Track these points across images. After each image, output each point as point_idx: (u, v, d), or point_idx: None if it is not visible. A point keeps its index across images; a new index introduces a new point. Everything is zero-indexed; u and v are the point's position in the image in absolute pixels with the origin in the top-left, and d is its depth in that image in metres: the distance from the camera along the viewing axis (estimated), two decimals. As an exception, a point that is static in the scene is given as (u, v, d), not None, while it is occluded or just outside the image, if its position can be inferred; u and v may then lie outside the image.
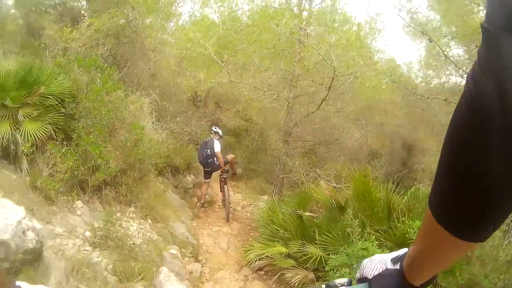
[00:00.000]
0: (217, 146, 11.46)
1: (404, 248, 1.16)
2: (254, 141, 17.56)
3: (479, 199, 0.73)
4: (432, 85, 17.57)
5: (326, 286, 1.28)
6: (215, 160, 11.51)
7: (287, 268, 8.23)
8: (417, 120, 18.74)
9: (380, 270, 1.16)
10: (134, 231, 8.44)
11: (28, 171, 7.73)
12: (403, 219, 7.31)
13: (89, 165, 8.13)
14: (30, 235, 5.05)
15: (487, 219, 0.77)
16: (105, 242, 7.12)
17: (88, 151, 8.11)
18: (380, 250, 6.73)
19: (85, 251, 6.92)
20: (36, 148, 7.99)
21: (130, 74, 13.18)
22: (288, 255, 8.51)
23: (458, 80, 16.13)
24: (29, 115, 7.99)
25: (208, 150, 11.43)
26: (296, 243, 8.51)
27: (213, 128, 12.03)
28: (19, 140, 7.68)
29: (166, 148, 11.91)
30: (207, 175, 11.91)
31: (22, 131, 7.76)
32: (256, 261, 8.89)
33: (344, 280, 1.28)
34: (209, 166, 11.57)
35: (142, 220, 9.00)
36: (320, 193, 9.10)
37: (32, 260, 5.06)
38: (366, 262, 1.23)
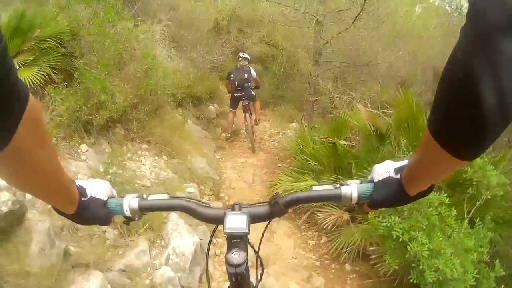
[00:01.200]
0: (254, 72, 10.78)
1: (406, 160, 1.24)
2: (282, 66, 16.29)
3: (470, 121, 0.80)
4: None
5: (339, 183, 1.34)
6: (250, 85, 10.71)
7: (318, 207, 7.24)
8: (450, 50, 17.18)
9: (384, 177, 1.26)
10: (146, 170, 7.62)
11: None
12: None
13: (92, 103, 7.24)
14: (4, 195, 4.14)
15: (477, 140, 0.84)
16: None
17: (90, 88, 7.19)
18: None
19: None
20: (36, 94, 7.14)
21: (145, 8, 11.99)
22: None
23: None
24: (25, 62, 7.15)
25: (246, 74, 10.55)
26: (329, 177, 7.46)
27: (241, 54, 11.03)
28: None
29: (185, 78, 11.06)
30: (235, 103, 10.96)
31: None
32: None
33: (357, 180, 1.34)
34: (244, 90, 10.64)
35: (156, 157, 8.20)
36: (357, 119, 7.91)
37: (8, 226, 4.19)
38: (377, 166, 1.32)
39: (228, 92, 11.25)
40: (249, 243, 1.39)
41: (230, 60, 15.41)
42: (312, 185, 1.37)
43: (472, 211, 5.26)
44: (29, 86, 6.68)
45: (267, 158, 10.83)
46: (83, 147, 7.12)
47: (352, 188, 1.30)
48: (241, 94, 10.66)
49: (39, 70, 7.09)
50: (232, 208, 1.35)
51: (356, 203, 1.32)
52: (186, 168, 8.27)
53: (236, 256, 1.21)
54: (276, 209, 1.33)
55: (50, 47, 7.37)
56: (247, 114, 10.83)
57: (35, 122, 0.84)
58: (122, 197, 1.39)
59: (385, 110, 8.66)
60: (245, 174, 9.68)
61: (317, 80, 11.12)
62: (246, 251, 1.25)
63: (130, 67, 8.66)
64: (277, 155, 11.04)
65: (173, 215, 6.16)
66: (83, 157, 6.97)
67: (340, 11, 10.91)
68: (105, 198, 1.33)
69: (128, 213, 1.35)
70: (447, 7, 17.13)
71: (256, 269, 1.61)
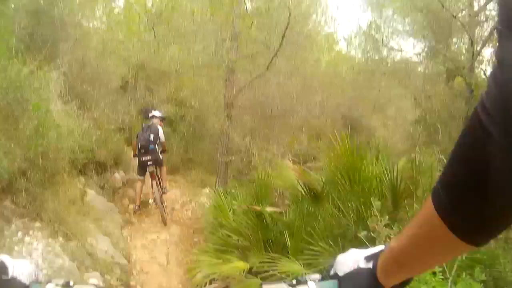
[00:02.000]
0: (162, 134, 9.68)
1: (380, 246, 1.06)
2: (190, 126, 14.73)
3: (490, 205, 0.68)
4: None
5: (296, 280, 1.14)
6: (157, 148, 9.45)
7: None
8: (358, 97, 17.06)
9: (352, 269, 1.06)
10: (38, 256, 5.89)
11: None
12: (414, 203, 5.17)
13: None
14: None
15: (493, 224, 0.73)
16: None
17: None
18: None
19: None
20: None
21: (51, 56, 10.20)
22: (251, 271, 5.94)
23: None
24: None
25: (152, 136, 9.27)
26: (259, 254, 5.95)
27: (154, 112, 10.00)
28: None
29: (88, 140, 9.34)
30: (142, 169, 9.50)
31: None
32: (206, 284, 6.33)
33: (316, 276, 1.14)
34: (149, 154, 9.24)
35: (50, 239, 6.46)
36: (283, 178, 6.62)
37: None
38: (340, 257, 1.14)
39: (134, 156, 9.85)
40: None
41: (137, 120, 13.75)
42: (262, 283, 1.14)
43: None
44: None
45: (181, 232, 9.31)
46: None
47: (310, 286, 1.11)
48: (147, 157, 9.27)
49: None
50: None
51: None
52: (86, 253, 6.57)
53: None
54: None
55: None
56: (154, 182, 9.42)
57: None
58: (48, 281, 1.17)
59: (309, 164, 7.41)
60: (158, 254, 8.04)
61: (230, 137, 9.74)
62: None
63: (21, 123, 6.91)
64: (192, 227, 9.63)
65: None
66: None
67: (253, 55, 9.63)
68: (27, 282, 1.12)
69: None
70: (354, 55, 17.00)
71: None
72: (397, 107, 17.45)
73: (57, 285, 1.19)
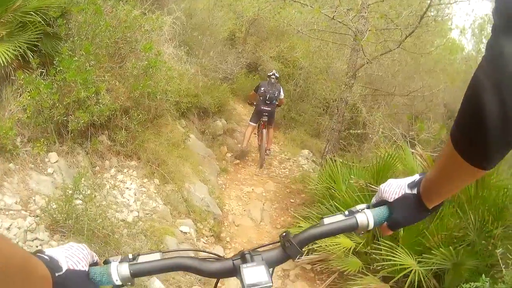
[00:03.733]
0: (283, 92, 9.88)
1: (417, 175, 1.16)
2: (298, 86, 13.95)
3: (489, 131, 0.81)
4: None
5: (348, 211, 1.18)
6: (275, 104, 9.66)
7: (350, 273, 4.87)
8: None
9: (400, 195, 1.14)
10: (130, 196, 5.37)
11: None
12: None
13: (69, 100, 5.09)
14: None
15: (495, 149, 0.85)
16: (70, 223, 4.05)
17: (69, 80, 5.10)
18: None
19: (36, 240, 3.95)
20: (6, 77, 5.19)
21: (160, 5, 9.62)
22: (355, 252, 5.10)
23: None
24: None
25: (277, 92, 9.52)
26: (365, 235, 5.06)
27: (274, 72, 9.75)
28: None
29: (194, 85, 8.92)
30: (258, 116, 9.64)
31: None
32: (302, 254, 5.58)
33: (363, 205, 1.20)
34: (269, 106, 9.50)
35: (145, 180, 5.93)
36: (405, 163, 5.66)
37: None
38: (384, 186, 1.20)
39: (250, 104, 10.38)
40: None
41: (243, 73, 13.41)
42: (322, 218, 1.17)
43: None
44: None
45: (277, 190, 8.58)
46: (53, 156, 5.01)
47: (367, 215, 1.15)
48: (268, 108, 9.49)
49: (12, 48, 4.99)
50: (242, 257, 1.07)
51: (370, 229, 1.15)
52: (181, 198, 5.97)
53: None
54: (290, 250, 1.09)
55: (32, 23, 5.29)
56: (264, 131, 9.55)
57: None
58: (106, 262, 1.04)
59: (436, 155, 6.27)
60: (252, 208, 7.38)
61: (348, 105, 8.72)
62: None
63: (128, 62, 6.35)
64: (288, 187, 8.83)
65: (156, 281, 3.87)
66: (49, 170, 4.86)
67: (384, 30, 8.45)
68: (86, 268, 0.96)
69: (118, 282, 1.01)
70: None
71: None
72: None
73: (120, 262, 1.04)
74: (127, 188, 5.54)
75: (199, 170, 7.29)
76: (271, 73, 9.68)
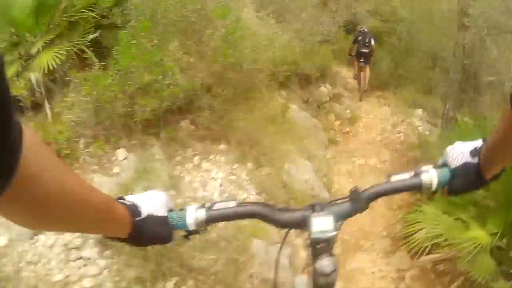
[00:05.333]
0: (373, 40, 10.72)
1: (479, 140, 1.06)
2: (401, 40, 12.31)
3: None
4: None
5: (414, 172, 1.09)
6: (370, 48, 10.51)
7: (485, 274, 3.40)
8: None
9: (461, 161, 1.05)
10: (214, 188, 4.28)
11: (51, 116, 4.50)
12: None
13: (132, 88, 4.25)
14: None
15: None
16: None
17: (131, 67, 4.29)
18: None
19: (79, 260, 3.21)
20: (60, 80, 4.67)
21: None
22: (495, 248, 3.57)
23: None
24: (45, 43, 4.75)
25: (369, 37, 10.55)
26: (503, 223, 3.63)
27: (363, 27, 11.02)
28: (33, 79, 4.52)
29: (290, 52, 7.71)
30: (359, 56, 10.48)
31: (35, 67, 4.60)
32: (425, 248, 4.07)
33: (429, 166, 1.09)
34: (366, 48, 10.40)
35: (236, 165, 4.80)
36: None
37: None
38: (449, 149, 1.11)
39: (350, 55, 11.13)
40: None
41: (342, 34, 12.24)
42: (389, 175, 1.11)
43: None
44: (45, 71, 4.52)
45: (393, 159, 7.22)
46: (120, 153, 4.24)
47: (432, 175, 1.06)
48: (365, 50, 10.36)
49: (65, 50, 4.56)
50: (313, 208, 1.04)
51: (434, 191, 1.08)
52: (280, 184, 4.76)
53: (328, 263, 0.97)
54: (358, 204, 1.07)
55: (85, 19, 4.84)
56: (362, 73, 10.46)
57: (37, 143, 0.63)
58: (182, 209, 1.06)
59: None
60: (364, 185, 5.90)
61: (467, 49, 6.81)
62: (334, 255, 1.00)
63: (203, 36, 5.21)
64: (405, 155, 7.35)
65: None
66: (116, 169, 4.11)
67: None
68: (165, 214, 1.00)
69: (193, 227, 1.03)
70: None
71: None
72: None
73: (197, 208, 1.05)
74: (212, 178, 4.48)
75: (303, 145, 6.10)
76: (361, 28, 10.89)
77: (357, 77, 10.94)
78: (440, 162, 1.13)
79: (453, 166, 1.06)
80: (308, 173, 5.27)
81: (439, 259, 3.83)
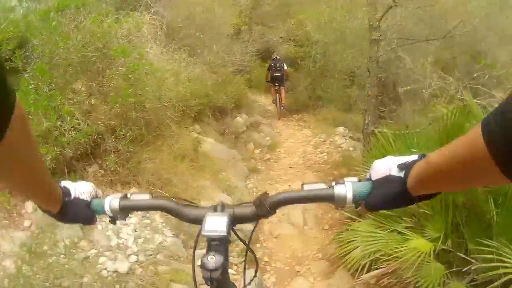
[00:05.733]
0: (285, 65, 11.53)
1: (413, 156, 0.96)
2: (316, 62, 12.33)
3: None
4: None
5: (334, 181, 1.07)
6: (282, 72, 11.28)
7: (435, 280, 3.29)
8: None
9: (384, 175, 0.98)
10: (129, 234, 4.10)
11: None
12: None
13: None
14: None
15: None
16: None
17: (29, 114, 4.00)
18: None
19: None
20: None
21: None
22: (441, 251, 3.49)
23: None
24: None
25: (280, 63, 11.28)
26: (442, 228, 3.55)
27: (275, 54, 11.89)
28: None
29: (202, 85, 7.65)
30: (273, 81, 11.26)
31: None
32: (365, 265, 3.85)
33: (354, 179, 1.05)
34: (279, 72, 11.15)
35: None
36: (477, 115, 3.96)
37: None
38: (377, 163, 1.04)
39: (267, 81, 11.62)
40: (240, 238, 1.21)
41: (257, 63, 12.51)
42: (303, 184, 1.09)
43: None
44: None
45: (318, 180, 6.95)
46: (29, 205, 3.95)
47: (347, 188, 1.03)
48: (278, 74, 11.03)
49: None
50: (214, 208, 1.11)
51: (352, 205, 1.04)
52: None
53: (212, 260, 0.99)
54: (262, 210, 1.08)
55: None
56: (278, 95, 11.19)
57: (23, 120, 0.76)
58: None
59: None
60: (290, 210, 5.85)
61: (380, 64, 6.88)
62: (224, 255, 1.02)
63: (106, 76, 5.00)
64: (330, 174, 7.30)
65: None
66: (26, 223, 3.81)
67: None
68: (88, 199, 1.18)
69: (109, 213, 1.18)
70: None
71: (244, 269, 1.31)
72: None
73: (114, 198, 1.18)
74: (125, 224, 4.19)
75: (222, 179, 5.93)
76: (273, 56, 11.70)
77: (275, 101, 11.46)
78: (367, 175, 1.07)
79: (373, 179, 1.01)
80: (228, 207, 5.11)
81: (382, 273, 3.71)
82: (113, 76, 4.89)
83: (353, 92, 11.22)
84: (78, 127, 4.25)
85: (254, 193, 6.48)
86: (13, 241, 3.51)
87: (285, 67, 11.26)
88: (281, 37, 12.88)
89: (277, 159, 8.15)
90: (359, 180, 1.05)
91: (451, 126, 3.79)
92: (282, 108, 11.11)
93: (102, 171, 4.69)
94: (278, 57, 11.41)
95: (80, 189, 1.15)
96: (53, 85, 4.34)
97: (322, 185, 1.07)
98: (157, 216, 4.40)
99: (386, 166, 0.98)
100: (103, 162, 4.61)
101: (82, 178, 4.48)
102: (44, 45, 4.51)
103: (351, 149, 8.44)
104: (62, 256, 3.50)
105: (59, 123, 4.08)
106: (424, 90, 5.88)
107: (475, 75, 6.08)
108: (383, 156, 2.98)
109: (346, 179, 1.05)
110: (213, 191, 5.35)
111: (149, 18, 6.93)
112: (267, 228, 5.46)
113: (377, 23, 6.47)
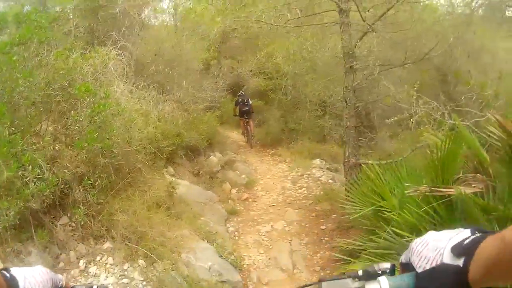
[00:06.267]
0: (249, 100, 11.75)
1: (463, 232, 0.70)
2: (288, 95, 12.09)
3: None
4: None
5: (363, 271, 0.83)
6: (250, 106, 11.61)
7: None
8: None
9: (434, 264, 0.70)
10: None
11: None
12: None
13: None
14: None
15: None
16: None
17: None
18: None
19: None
20: None
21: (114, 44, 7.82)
22: None
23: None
24: None
25: (246, 98, 11.56)
26: None
27: (241, 91, 12.02)
28: None
29: (172, 124, 7.32)
30: (242, 114, 11.52)
31: None
32: None
33: (386, 265, 0.83)
34: (246, 106, 11.42)
35: (127, 265, 4.05)
36: (469, 141, 3.70)
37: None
38: (416, 244, 0.77)
39: (235, 115, 11.91)
40: None
41: (228, 98, 12.40)
42: (320, 281, 0.86)
43: None
44: None
45: (301, 217, 6.81)
46: None
47: (382, 285, 0.77)
48: (246, 108, 11.29)
49: None
50: None
51: None
52: (180, 277, 4.06)
53: None
54: None
55: None
56: (248, 126, 11.56)
57: None
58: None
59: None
60: (277, 254, 5.50)
61: (355, 93, 6.58)
62: None
63: (71, 117, 4.55)
64: (313, 210, 6.95)
65: None
66: None
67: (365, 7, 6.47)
68: None
69: None
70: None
71: None
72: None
73: None
74: (104, 282, 3.67)
75: (200, 225, 5.50)
76: (239, 92, 11.83)
77: (244, 133, 12.11)
78: (402, 258, 0.83)
79: (419, 270, 0.74)
80: (211, 258, 4.63)
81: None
82: (78, 118, 4.43)
83: (326, 122, 11.03)
84: (42, 176, 3.77)
85: (236, 238, 6.05)
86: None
87: (250, 102, 11.62)
88: (250, 71, 12.62)
89: (255, 197, 7.73)
90: (393, 269, 0.83)
91: (447, 154, 3.47)
92: (252, 137, 11.60)
93: (73, 225, 4.19)
94: (243, 93, 11.72)
95: (31, 279, 0.92)
96: (13, 128, 3.86)
97: (347, 282, 0.86)
98: (135, 274, 3.90)
99: (434, 249, 0.73)
100: (73, 215, 4.12)
101: (51, 233, 3.98)
102: (4, 83, 4.04)
103: (330, 181, 8.22)
104: None
105: (21, 172, 3.59)
106: (410, 119, 5.60)
107: (463, 97, 5.90)
108: (373, 191, 2.56)
109: (380, 265, 0.84)
110: (193, 240, 4.88)
111: (116, 54, 6.49)
112: (255, 276, 5.02)
113: (353, 50, 6.24)
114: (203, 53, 11.67)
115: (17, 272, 0.91)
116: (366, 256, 3.83)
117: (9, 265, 3.41)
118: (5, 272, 0.89)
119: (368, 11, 6.34)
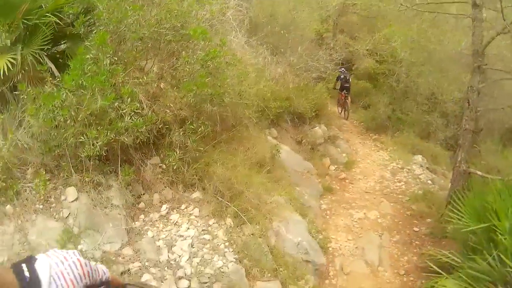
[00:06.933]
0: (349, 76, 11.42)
1: None
2: (400, 82, 11.30)
3: None
4: None
5: None
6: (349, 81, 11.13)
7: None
8: None
9: None
10: (183, 250, 3.28)
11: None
12: None
13: (84, 114, 3.31)
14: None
15: None
16: None
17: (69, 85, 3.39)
18: None
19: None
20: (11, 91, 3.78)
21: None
22: None
23: None
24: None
25: (348, 75, 11.12)
26: None
27: (342, 68, 11.44)
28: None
29: (283, 87, 7.08)
30: (342, 89, 11.00)
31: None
32: None
33: None
34: (348, 83, 10.95)
35: (212, 221, 3.77)
36: None
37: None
38: None
39: (334, 88, 11.30)
40: None
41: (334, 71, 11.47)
42: None
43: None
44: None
45: (395, 212, 6.30)
46: (70, 192, 3.32)
47: None
48: (347, 85, 10.83)
49: (11, 57, 3.60)
50: None
51: None
52: (266, 247, 3.71)
53: None
54: None
55: (47, 24, 3.85)
56: (347, 100, 11.08)
57: None
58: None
59: None
60: (365, 245, 5.12)
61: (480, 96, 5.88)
62: None
63: (181, 58, 4.27)
64: (408, 208, 6.42)
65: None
66: (65, 212, 3.19)
67: None
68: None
69: None
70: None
71: None
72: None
73: None
74: (181, 236, 3.45)
75: (295, 195, 5.13)
76: (340, 68, 11.19)
77: (339, 105, 11.71)
78: None
79: None
80: (301, 233, 4.28)
81: None
82: (190, 60, 4.16)
83: (433, 119, 10.42)
84: (140, 112, 3.56)
85: (327, 217, 5.66)
86: (43, 232, 2.99)
87: (350, 80, 11.21)
88: (367, 50, 11.84)
89: (352, 180, 7.25)
90: None
91: None
92: (347, 110, 11.29)
93: (164, 167, 3.99)
94: (344, 70, 11.20)
95: (60, 278, 0.77)
96: (116, 58, 3.67)
97: None
98: (220, 232, 3.63)
99: None
100: (166, 157, 3.90)
101: (139, 171, 3.81)
102: (112, 13, 3.85)
103: (429, 182, 7.61)
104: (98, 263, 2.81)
105: (117, 103, 3.39)
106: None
107: None
108: (487, 207, 1.96)
109: None
110: (287, 210, 4.53)
111: (235, 4, 6.20)
112: (338, 262, 4.64)
113: (483, 49, 5.48)
114: (317, 23, 11.27)
115: (43, 266, 0.78)
116: (460, 275, 3.31)
117: (83, 195, 3.29)
118: (25, 273, 0.76)
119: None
